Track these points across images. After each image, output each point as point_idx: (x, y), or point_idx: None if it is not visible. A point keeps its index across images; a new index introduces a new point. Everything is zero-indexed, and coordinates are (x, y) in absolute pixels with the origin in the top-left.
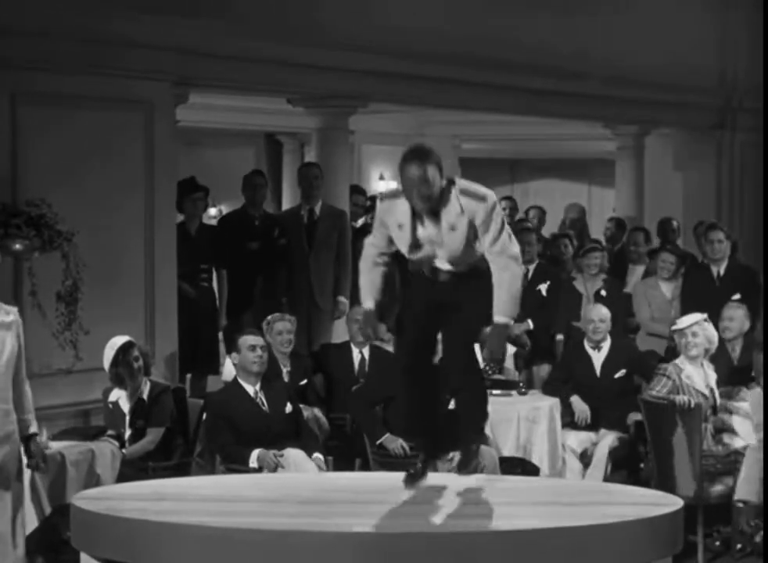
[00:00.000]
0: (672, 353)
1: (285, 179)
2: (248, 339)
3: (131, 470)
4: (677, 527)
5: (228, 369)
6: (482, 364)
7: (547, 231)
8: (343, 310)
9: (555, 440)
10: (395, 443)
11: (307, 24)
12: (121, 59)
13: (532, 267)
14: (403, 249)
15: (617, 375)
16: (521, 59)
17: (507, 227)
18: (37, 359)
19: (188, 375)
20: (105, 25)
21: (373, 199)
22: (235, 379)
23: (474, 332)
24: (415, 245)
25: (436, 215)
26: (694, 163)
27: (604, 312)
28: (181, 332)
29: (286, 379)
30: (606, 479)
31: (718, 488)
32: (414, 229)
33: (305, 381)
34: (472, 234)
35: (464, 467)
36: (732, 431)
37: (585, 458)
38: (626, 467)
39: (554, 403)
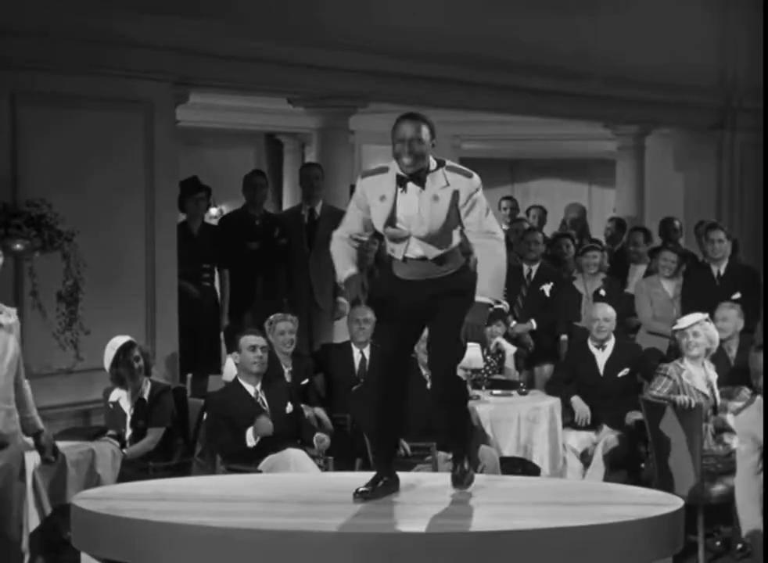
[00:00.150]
0: (675, 351)
1: (285, 179)
2: (249, 339)
3: (132, 470)
4: (678, 527)
5: (229, 369)
6: (481, 364)
7: (547, 231)
8: (343, 310)
9: (556, 440)
10: None
11: (307, 24)
12: (121, 59)
13: (535, 268)
14: (380, 223)
15: (620, 374)
16: (521, 59)
17: (490, 210)
18: (38, 359)
19: (189, 375)
20: (105, 25)
21: None
22: (235, 379)
23: (452, 346)
24: (393, 218)
25: (421, 184)
26: (694, 163)
27: (609, 311)
28: (182, 332)
29: (288, 379)
30: (606, 479)
31: (718, 488)
32: (395, 199)
33: (306, 381)
34: (454, 214)
35: (458, 483)
36: (732, 431)
37: (585, 458)
38: (626, 467)
39: (554, 402)
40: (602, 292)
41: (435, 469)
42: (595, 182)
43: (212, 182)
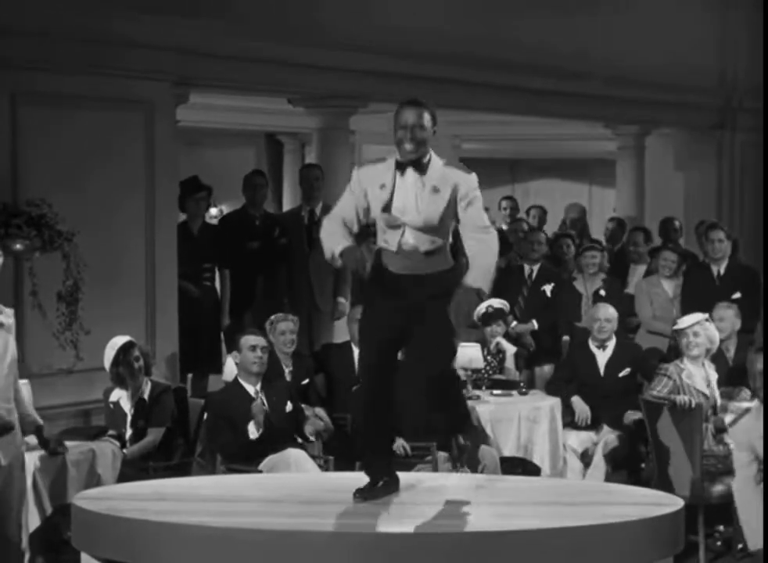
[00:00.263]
0: (675, 351)
1: (285, 179)
2: (249, 339)
3: (132, 470)
4: (678, 527)
5: (230, 369)
6: (481, 364)
7: (547, 231)
8: (343, 310)
9: (556, 440)
10: (396, 444)
11: (307, 24)
12: (122, 59)
13: (536, 268)
14: (377, 209)
15: (621, 375)
16: (521, 59)
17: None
18: (38, 359)
19: (189, 375)
20: (105, 25)
21: None
22: (235, 379)
23: (443, 346)
24: (390, 205)
25: (421, 171)
26: (694, 163)
27: (611, 312)
28: (183, 331)
29: (288, 379)
30: (607, 479)
31: (719, 488)
32: (394, 186)
33: (307, 381)
34: (452, 208)
35: (458, 461)
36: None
37: (586, 458)
38: (626, 467)
39: (554, 402)
40: (602, 292)
41: (435, 469)
42: (595, 182)
43: (212, 182)
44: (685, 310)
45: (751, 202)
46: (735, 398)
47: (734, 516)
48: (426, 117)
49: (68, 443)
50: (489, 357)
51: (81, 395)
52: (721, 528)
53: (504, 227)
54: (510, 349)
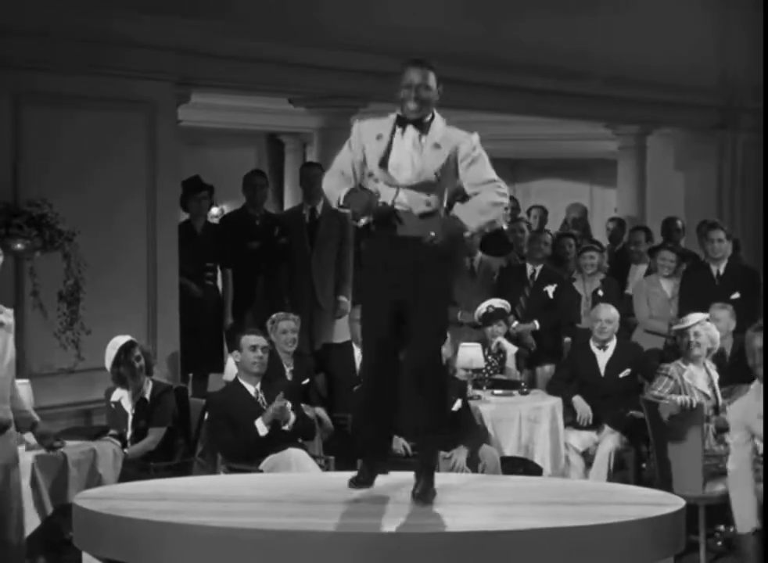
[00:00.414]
0: (671, 350)
1: (286, 179)
2: (249, 339)
3: (133, 470)
4: (679, 527)
5: (231, 368)
6: (482, 364)
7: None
8: (345, 309)
9: (557, 440)
10: (397, 443)
11: (308, 24)
12: (123, 60)
13: (539, 268)
14: (374, 162)
15: (621, 375)
16: (522, 59)
17: (488, 163)
18: (39, 359)
19: (190, 375)
20: (107, 25)
21: None
22: (236, 379)
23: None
24: (387, 159)
25: (422, 130)
26: (695, 163)
27: (612, 312)
28: (185, 331)
29: (289, 378)
30: (608, 479)
31: (720, 488)
32: (392, 139)
33: (307, 380)
34: (450, 169)
35: (421, 498)
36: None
37: (587, 458)
38: (627, 467)
39: (555, 402)
40: (600, 293)
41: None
42: (596, 182)
43: (213, 182)
44: (684, 310)
45: (752, 202)
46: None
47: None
48: (431, 78)
49: (69, 443)
50: (490, 357)
51: (82, 395)
52: (722, 528)
53: (506, 226)
54: (511, 349)
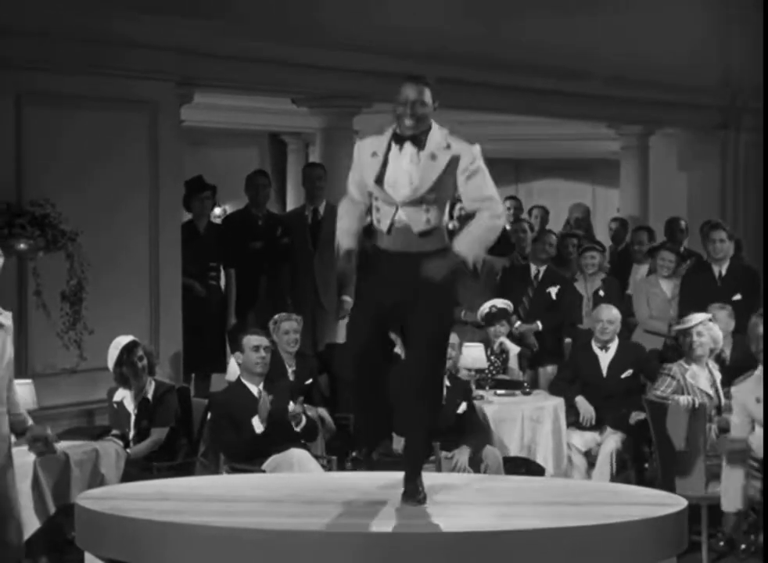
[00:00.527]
0: (670, 351)
1: (289, 179)
2: (251, 339)
3: (136, 470)
4: (682, 527)
5: (233, 368)
6: (485, 364)
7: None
8: (348, 309)
9: (560, 440)
10: (399, 444)
11: (309, 24)
12: (125, 60)
13: (543, 269)
14: (370, 180)
15: (623, 376)
16: (523, 59)
17: (489, 177)
18: (42, 359)
19: (193, 375)
20: (109, 25)
21: None
22: (238, 379)
23: (429, 351)
24: (383, 175)
25: (419, 145)
26: (698, 163)
27: (614, 313)
28: (189, 330)
29: (291, 378)
30: (611, 480)
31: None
32: (387, 155)
33: (310, 381)
34: (449, 180)
35: (409, 499)
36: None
37: (589, 458)
38: (630, 467)
39: (558, 402)
40: (601, 293)
41: (438, 469)
42: (599, 182)
43: (216, 182)
44: (685, 310)
45: (755, 202)
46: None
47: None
48: (427, 93)
49: (72, 443)
50: (492, 357)
51: (85, 395)
52: (724, 528)
53: (508, 226)
54: (513, 349)
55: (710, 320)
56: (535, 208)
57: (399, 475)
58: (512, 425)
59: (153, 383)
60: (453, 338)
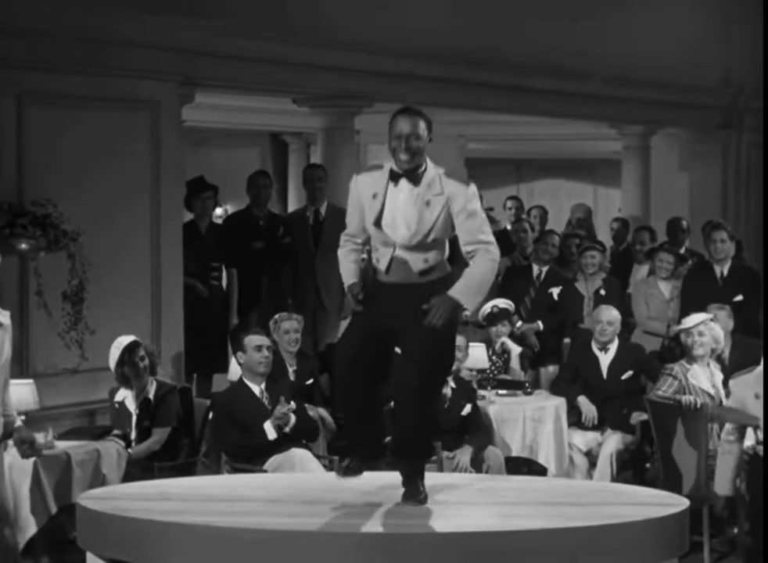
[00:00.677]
0: (667, 351)
1: (290, 179)
2: (253, 339)
3: (137, 470)
4: (683, 527)
5: (234, 369)
6: (486, 364)
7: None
8: (349, 309)
9: (561, 440)
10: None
11: (311, 24)
12: (126, 60)
13: (545, 270)
14: (370, 221)
15: (624, 377)
16: (526, 59)
17: (484, 219)
18: (43, 359)
19: (195, 375)
20: (110, 25)
21: None
22: (240, 379)
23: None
24: (381, 217)
25: (415, 182)
26: (699, 163)
27: (613, 314)
28: (191, 330)
29: (292, 378)
30: (611, 480)
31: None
32: (385, 196)
33: (311, 380)
34: (446, 223)
35: (410, 499)
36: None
37: (590, 458)
38: (631, 467)
39: (559, 402)
40: (602, 292)
41: (440, 469)
42: (600, 182)
43: (217, 182)
44: (687, 310)
45: (756, 202)
46: None
47: (738, 515)
48: (421, 126)
49: (73, 443)
50: (494, 357)
51: (86, 395)
52: (726, 528)
53: (509, 226)
54: (515, 349)
55: (711, 319)
56: (534, 208)
57: (399, 476)
58: (514, 425)
59: (155, 383)
60: (461, 340)
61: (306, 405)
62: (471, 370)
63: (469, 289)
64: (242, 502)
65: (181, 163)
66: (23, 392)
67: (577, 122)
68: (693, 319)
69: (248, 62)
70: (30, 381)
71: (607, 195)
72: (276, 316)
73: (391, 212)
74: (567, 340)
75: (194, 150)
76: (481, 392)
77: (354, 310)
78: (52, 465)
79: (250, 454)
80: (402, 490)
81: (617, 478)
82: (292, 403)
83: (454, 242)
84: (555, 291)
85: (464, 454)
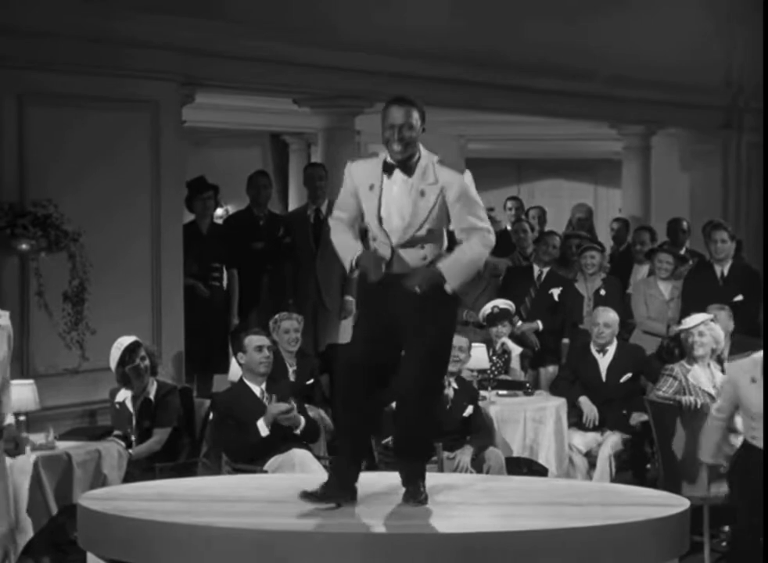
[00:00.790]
0: (665, 351)
1: (291, 179)
2: (254, 340)
3: (138, 470)
4: (684, 528)
5: (235, 369)
6: (487, 364)
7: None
8: (350, 309)
9: (562, 440)
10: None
11: (312, 24)
12: (127, 60)
13: (546, 270)
14: (370, 215)
15: (623, 380)
16: (526, 59)
17: (479, 204)
18: (44, 359)
19: (195, 375)
20: (111, 25)
21: None
22: (240, 379)
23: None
24: (379, 209)
25: (408, 172)
26: (700, 163)
27: (611, 316)
28: (192, 331)
29: (292, 378)
30: (611, 480)
31: (724, 488)
32: (382, 188)
33: (311, 381)
34: (441, 212)
35: (410, 499)
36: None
37: (590, 459)
38: (632, 467)
39: (560, 403)
40: (602, 292)
41: (440, 469)
42: (601, 182)
43: (218, 182)
44: (688, 310)
45: (757, 202)
46: None
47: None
48: (414, 116)
49: (74, 443)
50: (494, 358)
51: (87, 395)
52: (726, 528)
53: (509, 227)
54: (515, 349)
55: (712, 320)
56: (532, 209)
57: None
58: (515, 426)
59: (155, 384)
60: (463, 341)
61: (306, 405)
62: (471, 370)
63: (455, 267)
64: (242, 502)
65: (182, 163)
66: (23, 393)
67: (578, 122)
68: (693, 319)
69: (249, 62)
70: (31, 381)
71: (607, 195)
72: (276, 316)
73: (386, 204)
74: (565, 341)
75: (195, 150)
76: (481, 392)
77: (369, 283)
78: (53, 466)
79: (250, 454)
80: (402, 491)
81: (616, 478)
82: (292, 402)
83: (453, 242)
84: (556, 292)
85: (465, 455)
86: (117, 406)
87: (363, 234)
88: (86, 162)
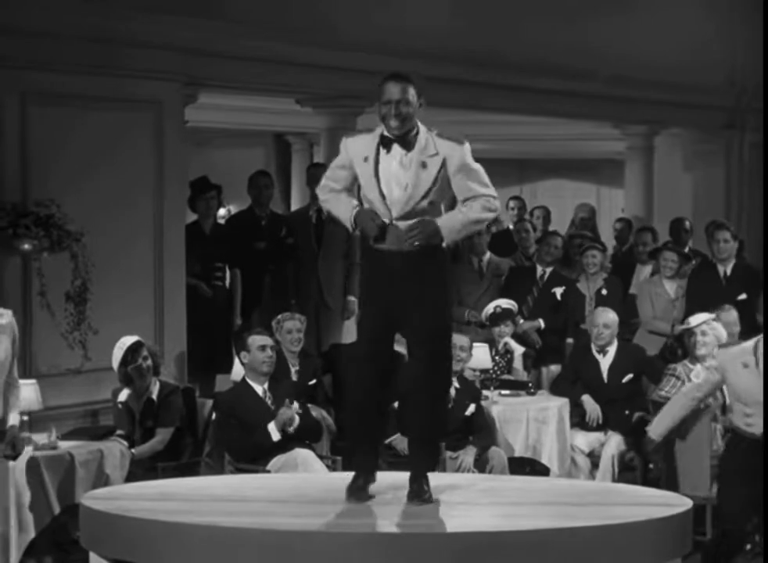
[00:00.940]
0: (668, 351)
1: (293, 179)
2: (256, 339)
3: (140, 470)
4: (686, 528)
5: (238, 369)
6: (489, 364)
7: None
8: (353, 309)
9: (564, 440)
10: (404, 444)
11: (313, 24)
12: (130, 60)
13: (549, 270)
14: (368, 188)
15: (624, 381)
16: (528, 58)
17: (481, 171)
18: (47, 359)
19: (198, 375)
20: (114, 25)
21: None
22: (243, 379)
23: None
24: (377, 181)
25: (407, 147)
26: (703, 163)
27: (611, 317)
28: (195, 331)
29: (295, 378)
30: (614, 480)
31: None
32: (377, 159)
33: (314, 381)
34: (443, 184)
35: (414, 498)
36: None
37: (592, 458)
38: (634, 467)
39: (562, 403)
40: (604, 292)
41: (443, 469)
42: (604, 182)
43: (220, 182)
44: (690, 310)
45: (759, 202)
46: None
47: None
48: (411, 91)
49: (76, 443)
50: (497, 358)
51: (89, 395)
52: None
53: (511, 227)
54: (518, 349)
55: (714, 319)
56: (536, 208)
57: (403, 475)
58: (517, 426)
59: (158, 383)
60: (465, 340)
61: (309, 405)
62: (474, 370)
63: (454, 222)
64: (245, 502)
65: (185, 163)
66: (26, 393)
67: (580, 122)
68: (696, 319)
69: (251, 62)
70: (34, 381)
71: (610, 195)
72: (279, 316)
73: (386, 179)
74: (570, 340)
75: (197, 150)
76: (484, 392)
77: (375, 238)
78: (56, 465)
79: (253, 454)
80: (406, 490)
81: (619, 478)
82: (295, 403)
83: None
84: (558, 290)
85: (468, 454)
86: (120, 406)
87: None
88: (88, 162)
